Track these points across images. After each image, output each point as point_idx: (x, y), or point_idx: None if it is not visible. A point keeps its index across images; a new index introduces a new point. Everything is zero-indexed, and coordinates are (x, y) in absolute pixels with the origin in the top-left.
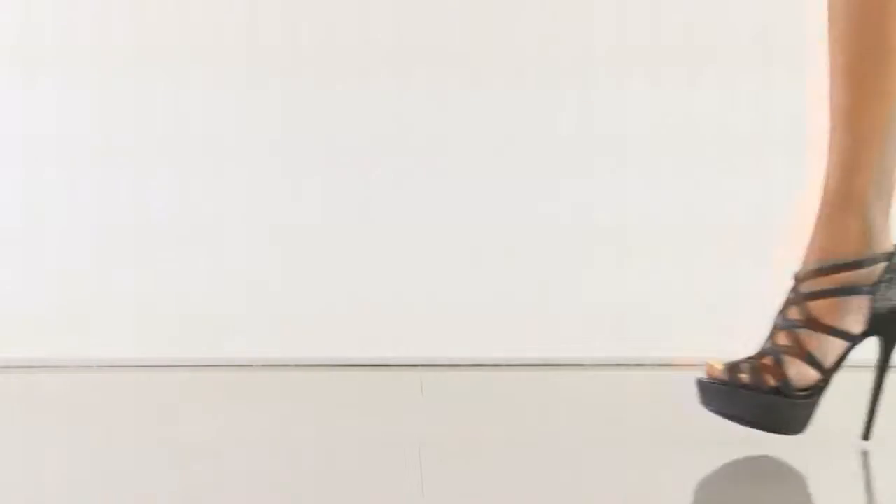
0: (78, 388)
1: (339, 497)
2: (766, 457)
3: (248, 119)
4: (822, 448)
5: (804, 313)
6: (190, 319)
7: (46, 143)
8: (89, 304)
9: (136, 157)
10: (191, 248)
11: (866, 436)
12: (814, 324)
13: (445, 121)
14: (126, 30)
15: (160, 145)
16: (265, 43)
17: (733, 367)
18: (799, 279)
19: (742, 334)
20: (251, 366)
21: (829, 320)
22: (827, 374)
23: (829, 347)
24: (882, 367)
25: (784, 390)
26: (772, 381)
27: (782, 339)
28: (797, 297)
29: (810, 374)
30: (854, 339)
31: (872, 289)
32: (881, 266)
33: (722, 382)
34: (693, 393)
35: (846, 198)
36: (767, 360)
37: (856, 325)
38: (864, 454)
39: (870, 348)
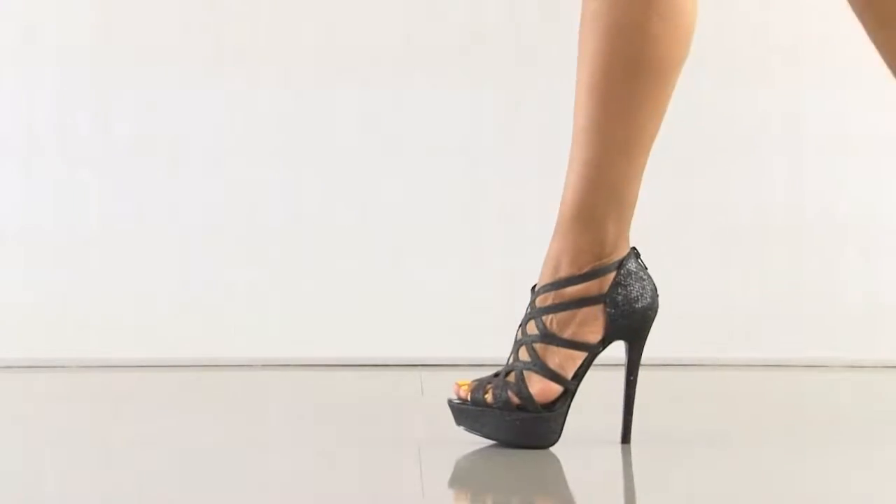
0: (78, 388)
1: (340, 497)
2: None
3: (248, 119)
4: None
5: (541, 328)
6: (190, 319)
7: (47, 143)
8: (89, 304)
9: (137, 158)
10: (191, 249)
11: (625, 438)
12: (551, 338)
13: (445, 121)
14: (127, 30)
15: (160, 145)
16: (264, 43)
17: (479, 387)
18: (535, 294)
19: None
20: (251, 366)
21: (565, 334)
22: (570, 384)
23: (569, 360)
24: (630, 370)
25: (528, 407)
26: (515, 399)
27: (523, 355)
28: (534, 312)
29: (552, 389)
30: (593, 349)
31: (605, 297)
32: (612, 274)
33: (471, 402)
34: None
35: (580, 213)
36: (511, 377)
37: (592, 335)
38: (625, 455)
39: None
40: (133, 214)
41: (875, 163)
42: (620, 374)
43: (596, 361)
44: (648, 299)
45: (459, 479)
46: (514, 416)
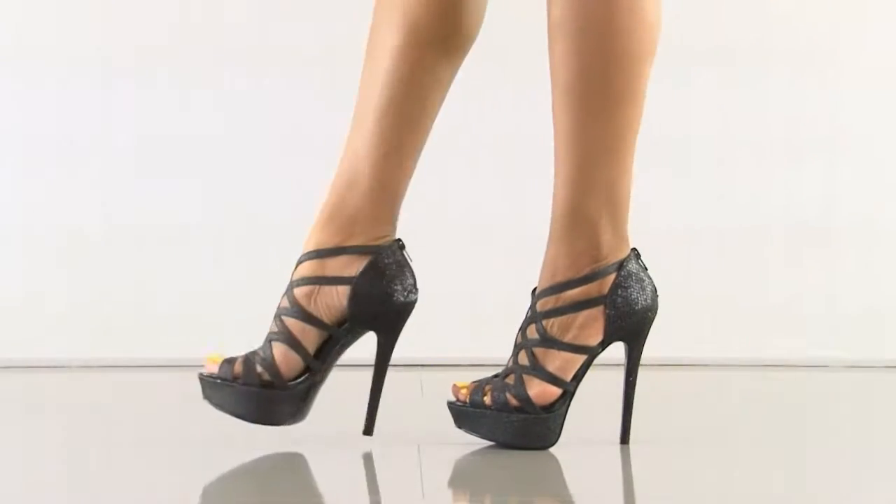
0: (79, 388)
1: (339, 497)
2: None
3: (248, 119)
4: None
5: (542, 332)
6: (190, 319)
7: (46, 143)
8: (89, 304)
9: (136, 158)
10: (191, 249)
11: (624, 439)
12: (551, 342)
13: (445, 121)
14: (127, 30)
15: (160, 146)
16: (265, 43)
17: (477, 388)
18: (536, 298)
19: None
20: None
21: (566, 338)
22: (569, 386)
23: (569, 363)
24: (630, 370)
25: (527, 409)
26: (514, 402)
27: (522, 359)
28: (534, 316)
29: (551, 391)
30: (593, 351)
31: (605, 299)
32: (612, 275)
33: (470, 405)
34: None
35: (574, 216)
36: (510, 379)
37: (592, 337)
38: (625, 455)
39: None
40: (133, 214)
41: (875, 163)
42: (620, 375)
43: (595, 361)
44: (648, 301)
45: (459, 479)
46: (513, 417)
